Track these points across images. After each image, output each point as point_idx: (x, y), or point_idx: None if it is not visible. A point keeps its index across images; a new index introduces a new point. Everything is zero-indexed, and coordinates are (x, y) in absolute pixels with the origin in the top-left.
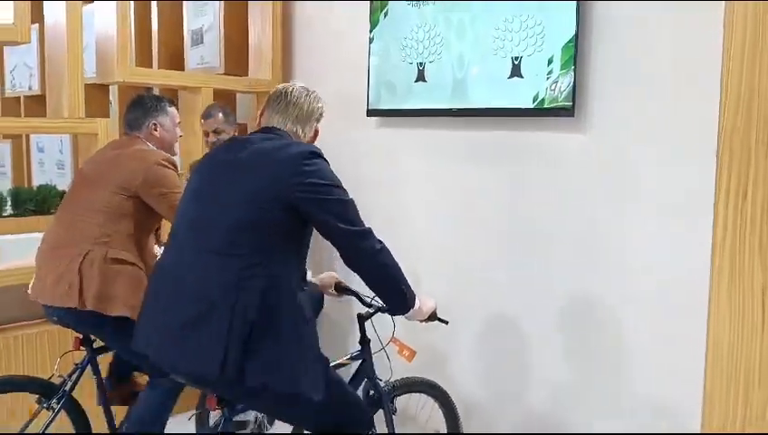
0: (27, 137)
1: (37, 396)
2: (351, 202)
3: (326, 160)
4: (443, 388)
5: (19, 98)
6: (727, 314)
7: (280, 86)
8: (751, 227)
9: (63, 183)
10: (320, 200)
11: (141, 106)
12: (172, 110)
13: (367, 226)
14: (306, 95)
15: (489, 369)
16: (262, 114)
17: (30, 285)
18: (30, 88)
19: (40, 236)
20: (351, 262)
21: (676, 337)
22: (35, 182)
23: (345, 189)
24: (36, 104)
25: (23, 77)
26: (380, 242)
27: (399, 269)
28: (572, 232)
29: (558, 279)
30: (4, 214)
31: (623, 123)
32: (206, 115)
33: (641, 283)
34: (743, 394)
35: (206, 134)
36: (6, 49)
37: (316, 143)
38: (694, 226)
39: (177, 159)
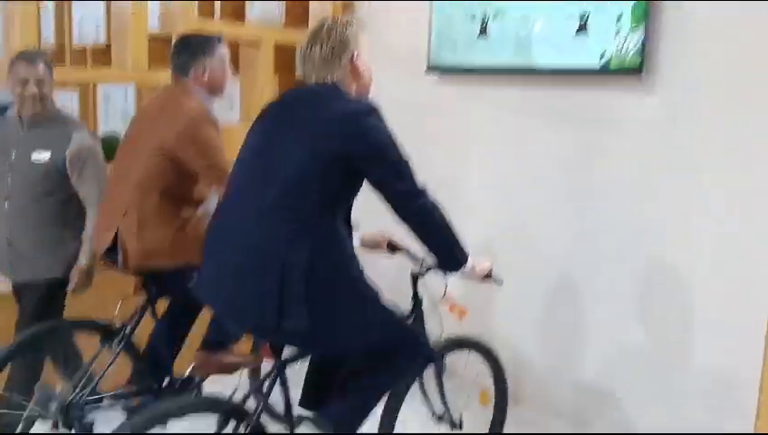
0: (94, 86)
1: (99, 337)
2: (407, 161)
3: (383, 117)
4: (493, 348)
5: (86, 49)
6: None
7: (304, 39)
8: None
9: None
10: (375, 158)
11: (188, 48)
12: (221, 49)
13: (421, 185)
14: (329, 27)
15: (545, 333)
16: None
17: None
18: (96, 40)
19: None
20: (405, 220)
21: (741, 310)
22: (101, 130)
23: (401, 148)
24: (102, 56)
25: (89, 29)
26: (434, 201)
27: (452, 227)
28: (638, 195)
29: (621, 244)
30: None
31: (693, 85)
32: (30, 60)
33: (707, 252)
34: None
35: (25, 83)
36: (74, 2)
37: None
38: (763, 193)
39: (217, 106)
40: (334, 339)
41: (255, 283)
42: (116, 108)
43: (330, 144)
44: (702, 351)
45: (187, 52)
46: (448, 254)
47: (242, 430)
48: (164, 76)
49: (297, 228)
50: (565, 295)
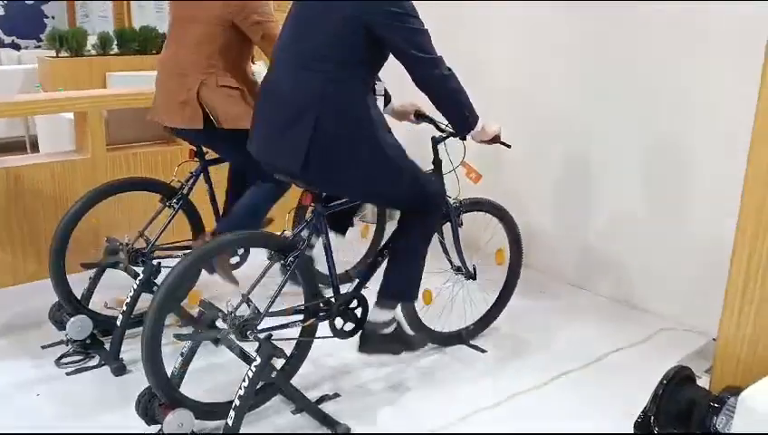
0: None
1: (160, 196)
2: (426, 31)
3: None
4: (506, 210)
5: None
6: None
7: None
8: None
9: (161, 26)
10: (397, 28)
11: None
12: None
13: (437, 53)
14: None
15: (556, 202)
16: None
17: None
18: None
19: (144, 73)
20: (422, 85)
21: (734, 171)
22: (135, 25)
23: (421, 19)
24: None
25: None
26: (449, 69)
27: (465, 93)
28: (644, 71)
29: (627, 117)
30: (111, 52)
31: None
32: None
33: (707, 124)
34: None
35: None
36: None
37: None
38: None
39: None
40: (361, 187)
41: (291, 131)
42: (150, 3)
43: (356, 11)
44: (695, 219)
45: None
46: (460, 116)
47: (290, 261)
48: None
49: (329, 84)
50: (576, 167)
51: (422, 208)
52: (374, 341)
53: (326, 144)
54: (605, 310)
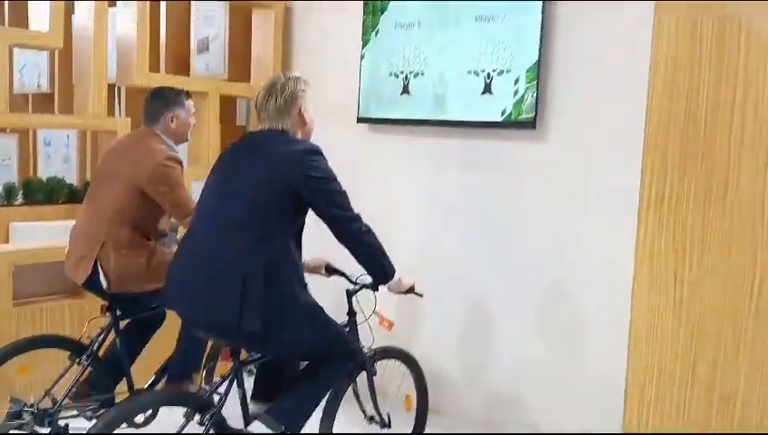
0: (34, 131)
1: (69, 353)
2: (344, 192)
3: (324, 157)
4: (415, 358)
5: (27, 95)
6: (647, 293)
7: (260, 90)
8: (666, 224)
9: (69, 176)
10: (319, 191)
11: (161, 98)
12: (189, 102)
13: (356, 212)
14: (283, 83)
15: (460, 348)
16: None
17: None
18: (39, 86)
19: (50, 223)
20: (343, 240)
21: (620, 311)
22: (41, 174)
23: (339, 182)
24: (44, 102)
25: (32, 76)
26: (367, 225)
27: (382, 247)
28: (532, 226)
29: (521, 268)
30: (16, 202)
31: (575, 137)
32: None
33: (590, 273)
34: (660, 349)
35: None
36: (16, 48)
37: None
38: (627, 223)
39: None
40: (284, 342)
41: (221, 289)
42: (58, 153)
43: (280, 176)
44: (588, 356)
45: (160, 101)
46: (379, 268)
47: (206, 421)
48: (120, 122)
49: (255, 243)
50: (477, 314)
51: (341, 362)
52: None
53: (256, 303)
54: None
